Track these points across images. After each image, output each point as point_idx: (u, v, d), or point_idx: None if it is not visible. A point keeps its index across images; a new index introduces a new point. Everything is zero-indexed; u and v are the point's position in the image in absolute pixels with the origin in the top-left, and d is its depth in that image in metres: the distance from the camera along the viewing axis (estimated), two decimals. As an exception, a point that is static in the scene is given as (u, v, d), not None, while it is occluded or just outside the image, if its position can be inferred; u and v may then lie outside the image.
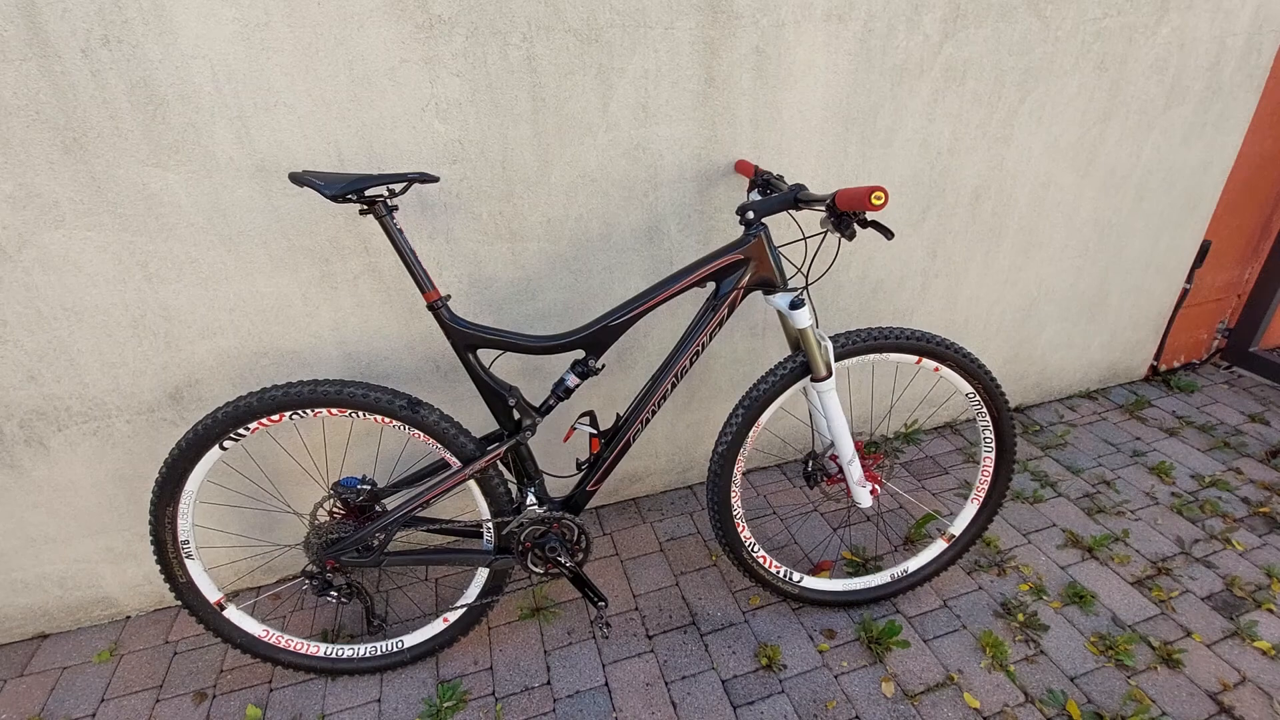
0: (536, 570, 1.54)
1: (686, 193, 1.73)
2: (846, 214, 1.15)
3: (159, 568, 1.43)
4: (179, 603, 1.51)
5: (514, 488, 1.52)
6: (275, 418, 1.36)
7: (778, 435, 2.26)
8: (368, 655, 1.60)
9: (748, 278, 1.40)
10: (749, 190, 1.56)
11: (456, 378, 1.77)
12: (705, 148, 1.69)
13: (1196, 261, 2.53)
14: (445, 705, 1.52)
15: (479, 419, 1.82)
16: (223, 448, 1.37)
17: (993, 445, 1.64)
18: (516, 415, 1.44)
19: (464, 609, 1.60)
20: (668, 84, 1.58)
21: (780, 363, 1.48)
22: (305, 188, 1.27)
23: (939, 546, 1.75)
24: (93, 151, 1.31)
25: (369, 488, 1.48)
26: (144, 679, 1.64)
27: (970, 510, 1.72)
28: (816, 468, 1.63)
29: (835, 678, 1.58)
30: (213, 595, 1.50)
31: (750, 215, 1.36)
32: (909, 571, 1.74)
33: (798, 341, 1.54)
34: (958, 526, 1.73)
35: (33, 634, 1.77)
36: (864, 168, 1.86)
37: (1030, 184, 2.09)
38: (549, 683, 1.59)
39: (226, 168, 1.39)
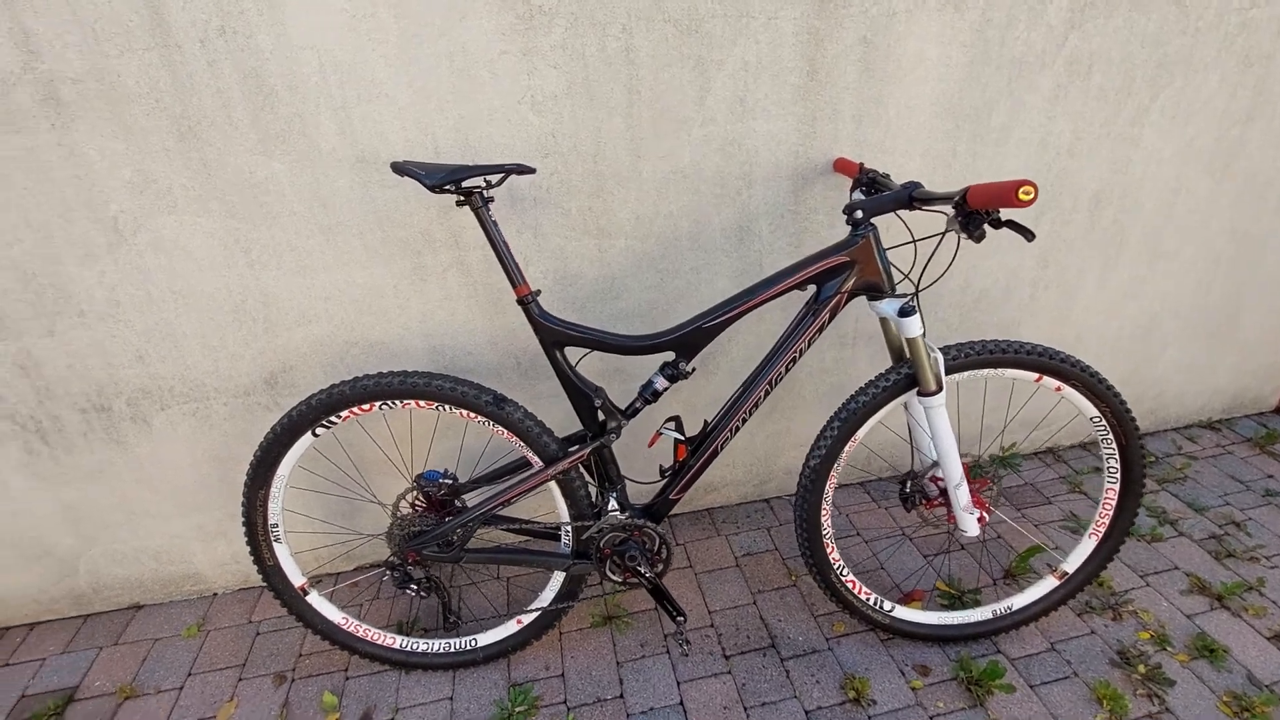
0: (614, 579, 1.48)
1: (781, 191, 1.65)
2: (978, 213, 1.05)
3: (249, 549, 1.45)
4: (265, 585, 1.53)
5: (594, 491, 1.48)
6: (366, 407, 1.36)
7: (871, 449, 2.14)
8: (441, 651, 1.58)
9: (852, 281, 1.31)
10: (852, 189, 1.47)
11: (537, 375, 1.75)
12: (803, 144, 1.60)
13: (1349, 280, 2.25)
14: (517, 710, 1.49)
15: (556, 419, 1.78)
16: (314, 434, 1.38)
17: (1117, 475, 1.48)
18: (601, 417, 1.39)
19: (538, 612, 1.56)
20: (768, 77, 1.51)
21: (883, 374, 1.38)
22: (406, 177, 1.26)
23: (1049, 584, 1.59)
24: (205, 139, 1.35)
25: (450, 482, 1.46)
26: (228, 657, 1.68)
27: (1087, 546, 1.56)
28: (915, 489, 1.52)
29: (931, 719, 1.46)
30: (297, 580, 1.52)
31: (859, 214, 1.27)
32: (1013, 609, 1.60)
33: (901, 352, 1.44)
34: (1072, 563, 1.58)
35: (128, 604, 1.84)
36: (973, 168, 1.73)
37: (1158, 189, 1.91)
38: (622, 696, 1.53)
39: (328, 158, 1.41)
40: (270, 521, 1.46)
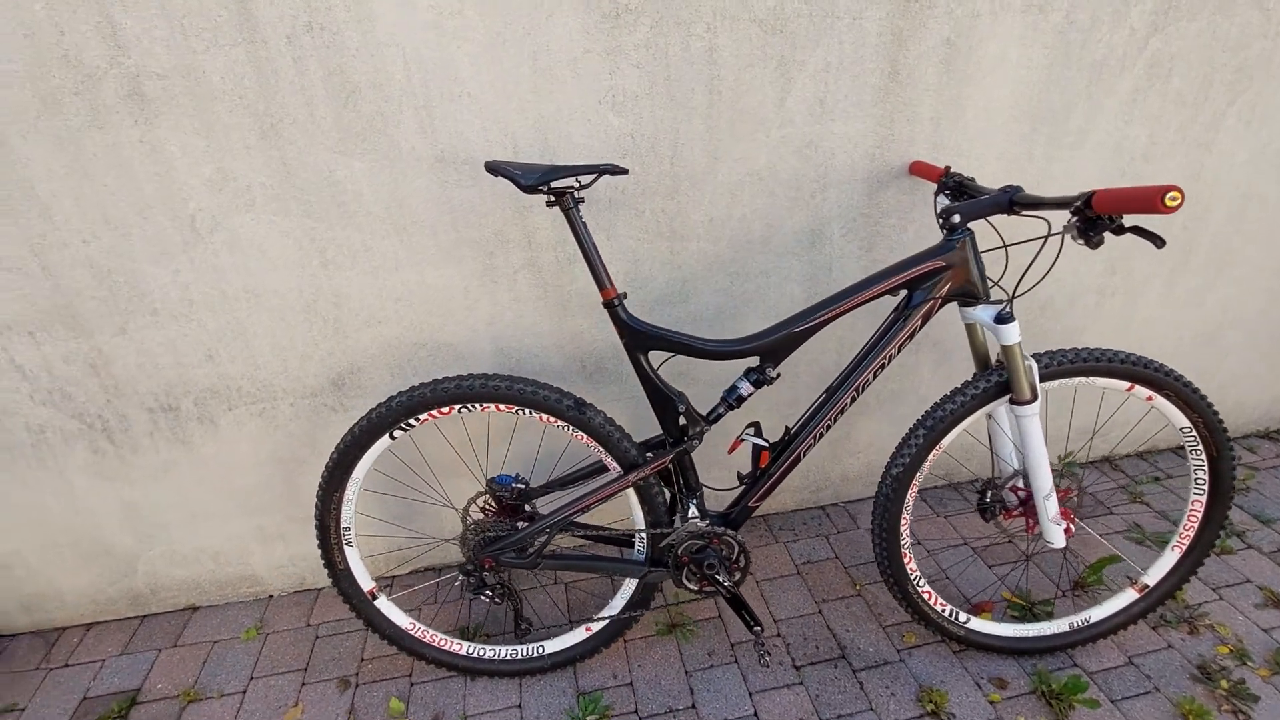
0: (690, 587, 1.46)
1: (855, 195, 1.63)
2: (1101, 218, 1.02)
3: (320, 552, 1.43)
4: (334, 588, 1.51)
5: (671, 498, 1.45)
6: (445, 410, 1.34)
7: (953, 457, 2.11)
8: (508, 658, 1.56)
9: (947, 286, 1.28)
10: (936, 193, 1.44)
11: (602, 379, 1.72)
12: (880, 147, 1.58)
13: None
14: (588, 718, 1.46)
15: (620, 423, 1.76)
16: (392, 437, 1.36)
17: (1205, 487, 1.45)
18: (682, 422, 1.37)
19: (607, 621, 1.54)
20: (848, 78, 1.49)
21: (970, 381, 1.35)
22: (499, 177, 1.24)
23: (1128, 596, 1.56)
24: (286, 137, 1.33)
25: (523, 487, 1.44)
26: (289, 660, 1.66)
27: (1169, 559, 1.53)
28: (995, 499, 1.49)
29: (1011, 733, 1.43)
30: (366, 584, 1.50)
31: (956, 219, 1.25)
32: (1091, 621, 1.56)
33: (986, 359, 1.42)
34: (1153, 576, 1.54)
35: (184, 605, 1.82)
36: (1048, 172, 1.70)
37: (1229, 196, 1.88)
38: (694, 706, 1.50)
39: (408, 157, 1.39)
40: (343, 525, 1.44)
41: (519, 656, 1.57)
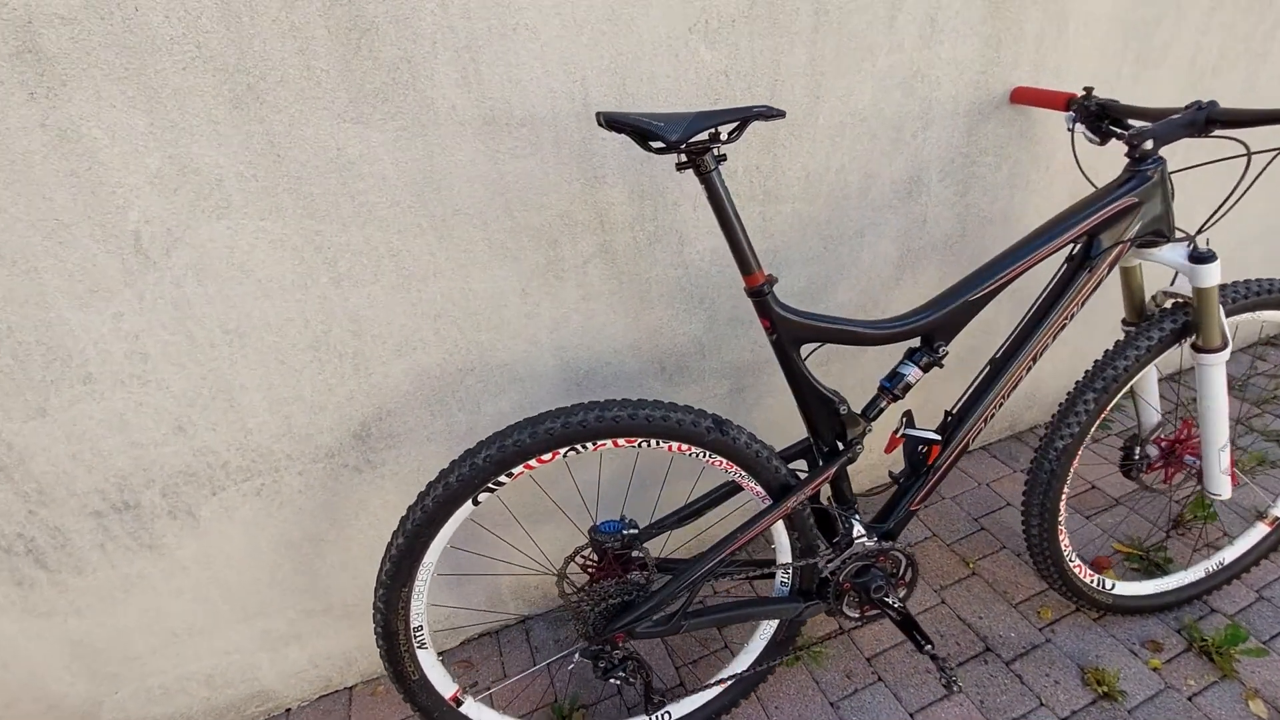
0: (850, 615, 1.23)
1: (955, 132, 1.41)
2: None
3: (387, 666, 1.07)
4: (408, 703, 1.16)
5: (819, 517, 1.21)
6: (548, 457, 1.01)
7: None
8: (631, 736, 1.28)
9: (1137, 226, 1.10)
10: (1074, 121, 1.24)
11: (683, 380, 1.43)
12: (985, 73, 1.36)
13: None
14: (754, 792, 1.22)
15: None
16: (475, 502, 1.02)
17: (1341, 411, 1.39)
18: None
19: (746, 674, 1.29)
20: (960, -11, 1.25)
21: (1142, 330, 1.19)
22: (620, 134, 0.90)
23: (1259, 531, 1.50)
24: (271, 104, 0.92)
25: (634, 532, 1.15)
26: (342, 795, 1.29)
27: (1300, 487, 1.48)
28: (1142, 455, 1.36)
29: (1189, 700, 1.33)
30: (448, 690, 1.16)
31: (1149, 145, 1.05)
32: (1225, 563, 1.49)
33: (1141, 308, 1.26)
34: (1283, 507, 1.49)
35: (171, 748, 1.39)
36: (1133, 92, 1.56)
37: (1276, 104, 1.83)
38: (856, 744, 1.30)
39: (446, 120, 1.01)
40: (413, 625, 1.08)
41: (644, 730, 1.29)
